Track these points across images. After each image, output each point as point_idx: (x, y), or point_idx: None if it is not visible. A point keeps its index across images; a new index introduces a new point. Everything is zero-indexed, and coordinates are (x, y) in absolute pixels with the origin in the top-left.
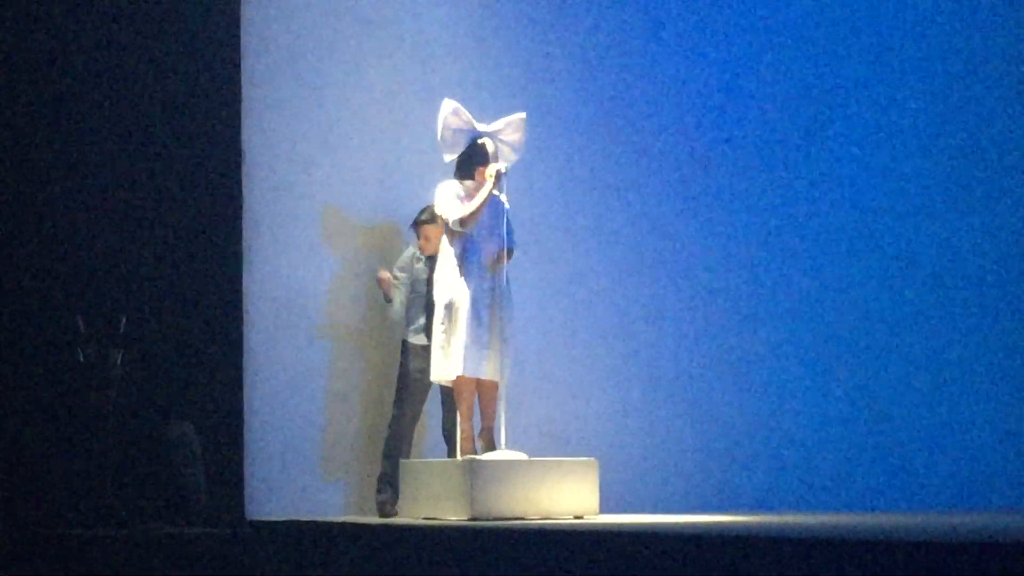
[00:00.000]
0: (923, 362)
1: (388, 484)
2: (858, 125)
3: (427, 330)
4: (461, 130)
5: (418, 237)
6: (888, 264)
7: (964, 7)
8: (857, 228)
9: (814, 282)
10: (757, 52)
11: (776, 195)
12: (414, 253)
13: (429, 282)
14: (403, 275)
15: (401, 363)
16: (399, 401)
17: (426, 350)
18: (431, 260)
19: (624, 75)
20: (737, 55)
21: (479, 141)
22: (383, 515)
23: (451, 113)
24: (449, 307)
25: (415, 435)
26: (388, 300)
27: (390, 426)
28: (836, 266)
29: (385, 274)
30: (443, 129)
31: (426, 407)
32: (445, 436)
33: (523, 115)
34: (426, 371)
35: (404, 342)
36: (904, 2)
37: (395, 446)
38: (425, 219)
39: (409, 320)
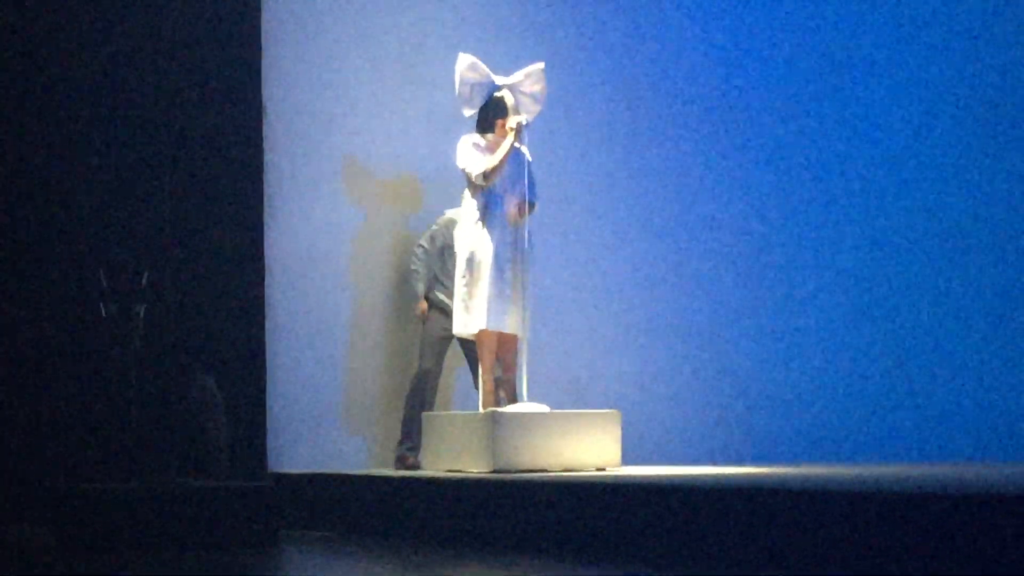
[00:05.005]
0: (946, 311)
1: (408, 437)
2: (879, 74)
3: (449, 288)
4: (479, 84)
5: None
6: (910, 214)
7: None
8: (879, 178)
9: (834, 230)
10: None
11: (794, 147)
12: (451, 219)
13: None
14: (426, 247)
15: (424, 319)
16: (421, 356)
17: (447, 308)
18: None
19: (643, 22)
20: (760, 5)
21: (497, 94)
22: (404, 467)
23: (467, 68)
24: (471, 260)
25: (444, 389)
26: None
27: (412, 381)
28: (857, 217)
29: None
30: (460, 84)
31: (450, 361)
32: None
33: (542, 65)
34: (447, 326)
35: (428, 298)
36: None
37: (417, 400)
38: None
39: (432, 277)
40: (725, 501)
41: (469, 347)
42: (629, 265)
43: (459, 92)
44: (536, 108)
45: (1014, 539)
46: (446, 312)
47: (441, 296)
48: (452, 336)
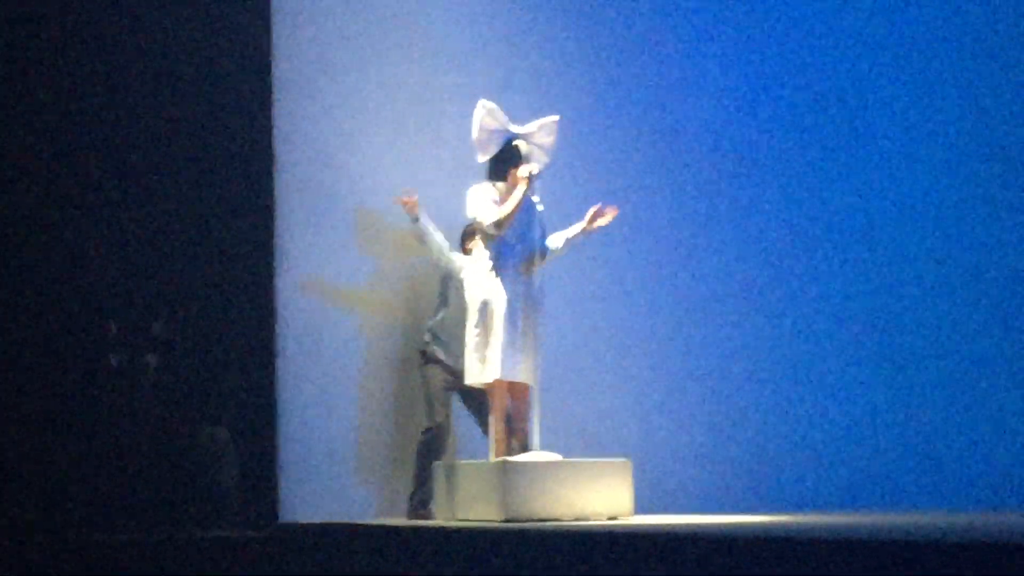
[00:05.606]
0: (955, 360)
1: (421, 488)
2: (889, 124)
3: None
4: (496, 131)
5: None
6: (918, 262)
7: (996, 7)
8: (887, 226)
9: (845, 281)
10: (789, 51)
11: (805, 195)
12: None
13: None
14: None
15: (423, 374)
16: (430, 410)
17: (444, 361)
18: None
19: (655, 76)
20: (769, 55)
21: (513, 143)
22: (416, 517)
23: (487, 114)
24: (483, 310)
25: (453, 437)
26: (415, 219)
27: (425, 434)
28: (866, 265)
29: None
30: (479, 131)
31: (459, 408)
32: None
33: (556, 117)
34: (447, 378)
35: (424, 353)
36: (936, 2)
37: (431, 452)
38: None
39: (428, 330)
40: (738, 550)
41: (472, 397)
42: (641, 313)
43: (476, 138)
44: (545, 160)
45: None
46: (444, 365)
47: (439, 349)
48: (455, 387)
